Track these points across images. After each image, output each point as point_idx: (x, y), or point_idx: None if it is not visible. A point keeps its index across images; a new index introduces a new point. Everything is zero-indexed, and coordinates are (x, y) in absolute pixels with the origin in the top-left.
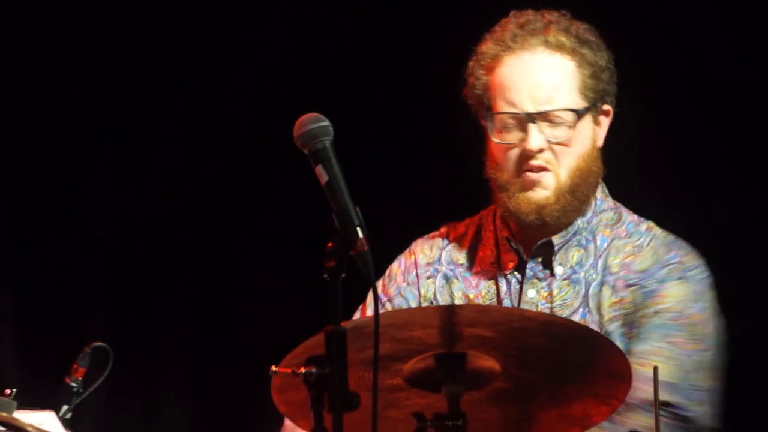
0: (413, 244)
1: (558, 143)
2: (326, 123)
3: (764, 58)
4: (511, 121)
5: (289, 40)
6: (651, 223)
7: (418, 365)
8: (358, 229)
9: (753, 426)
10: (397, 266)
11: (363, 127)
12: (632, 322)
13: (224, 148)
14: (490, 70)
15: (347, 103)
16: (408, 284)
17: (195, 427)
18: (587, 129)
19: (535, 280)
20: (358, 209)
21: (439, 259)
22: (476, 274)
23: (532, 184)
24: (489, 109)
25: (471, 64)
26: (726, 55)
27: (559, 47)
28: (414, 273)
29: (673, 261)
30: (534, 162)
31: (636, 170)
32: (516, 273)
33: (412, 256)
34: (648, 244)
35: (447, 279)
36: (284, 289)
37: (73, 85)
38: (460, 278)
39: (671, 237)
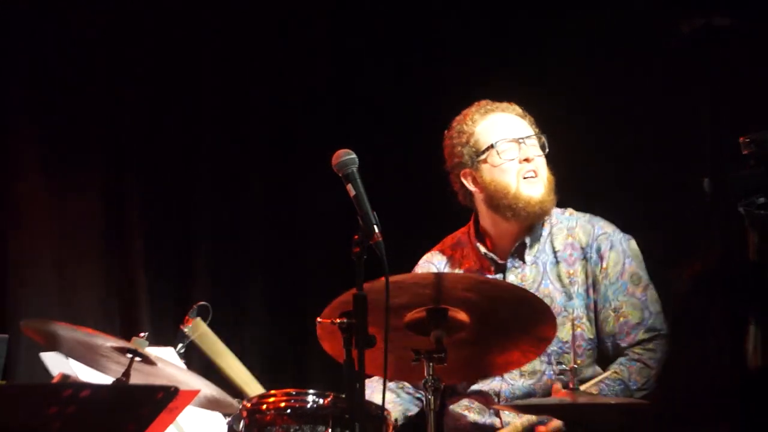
0: (419, 262)
1: (539, 156)
2: (353, 155)
3: None
4: (508, 144)
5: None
6: (569, 209)
7: (415, 316)
8: (375, 226)
9: None
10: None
11: (382, 153)
12: (593, 285)
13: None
14: (477, 122)
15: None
16: None
17: (268, 360)
18: None
19: (513, 268)
20: (375, 213)
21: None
22: None
23: (532, 187)
24: (479, 153)
25: (455, 125)
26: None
27: (521, 116)
28: None
29: (599, 234)
30: (530, 166)
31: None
32: (497, 273)
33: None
34: (576, 225)
35: None
36: (330, 265)
37: None
38: None
39: (588, 215)
